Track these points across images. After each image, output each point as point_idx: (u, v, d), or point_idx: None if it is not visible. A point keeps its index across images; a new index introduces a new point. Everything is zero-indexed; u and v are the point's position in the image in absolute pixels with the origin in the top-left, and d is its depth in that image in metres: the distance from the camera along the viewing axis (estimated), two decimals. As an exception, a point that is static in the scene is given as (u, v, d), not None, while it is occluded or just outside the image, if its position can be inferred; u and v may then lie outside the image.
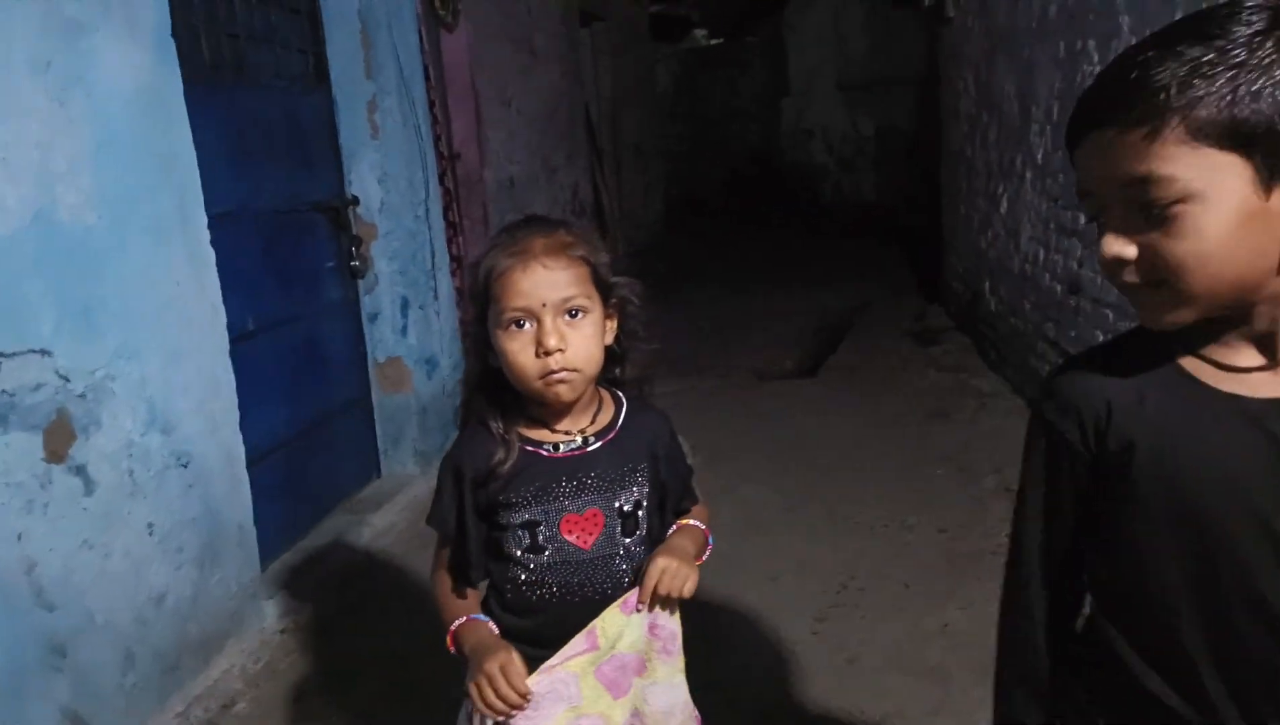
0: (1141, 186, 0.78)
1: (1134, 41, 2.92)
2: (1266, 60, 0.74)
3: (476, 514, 1.29)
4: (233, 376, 2.55)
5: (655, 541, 1.31)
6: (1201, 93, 0.75)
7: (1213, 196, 0.76)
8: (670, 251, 9.75)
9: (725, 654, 2.43)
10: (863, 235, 10.15)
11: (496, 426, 1.27)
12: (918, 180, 9.30)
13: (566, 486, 1.26)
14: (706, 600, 2.62)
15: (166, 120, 2.34)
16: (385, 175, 3.55)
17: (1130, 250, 0.81)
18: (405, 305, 3.66)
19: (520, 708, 1.17)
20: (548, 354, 1.19)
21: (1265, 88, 0.74)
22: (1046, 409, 0.95)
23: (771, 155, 12.93)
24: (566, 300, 1.20)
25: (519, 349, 1.21)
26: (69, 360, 2.01)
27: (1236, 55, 0.74)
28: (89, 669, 2.03)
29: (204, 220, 2.45)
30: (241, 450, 2.59)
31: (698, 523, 1.38)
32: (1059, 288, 3.86)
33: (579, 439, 1.28)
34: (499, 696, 1.16)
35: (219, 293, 2.51)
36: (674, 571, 1.22)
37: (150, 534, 2.23)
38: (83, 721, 2.00)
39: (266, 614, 2.67)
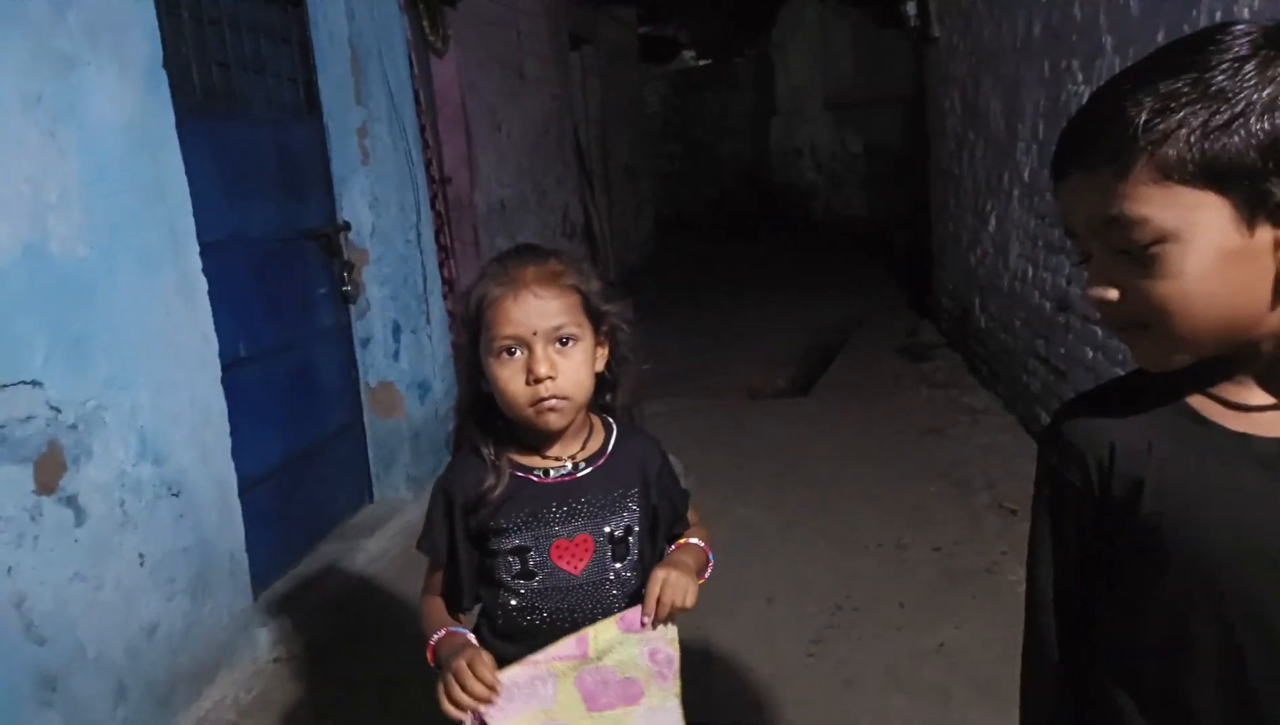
0: (1116, 228, 0.75)
1: (1117, 60, 2.94)
2: (1245, 89, 0.69)
3: (468, 539, 1.30)
4: (225, 405, 2.55)
5: (648, 567, 1.31)
6: (1169, 129, 0.71)
7: (1189, 236, 0.72)
8: (661, 270, 9.79)
9: (722, 676, 2.42)
10: (852, 252, 10.21)
11: (488, 452, 1.28)
12: (906, 197, 9.36)
13: (557, 512, 1.27)
14: (702, 622, 2.62)
15: (158, 151, 2.34)
16: (376, 200, 3.56)
17: (1112, 293, 0.78)
18: (397, 330, 3.66)
19: (488, 700, 1.14)
20: (538, 381, 1.20)
21: (1238, 120, 0.69)
22: (1049, 454, 0.91)
23: (761, 174, 13.03)
24: (557, 329, 1.22)
25: (510, 376, 1.22)
26: (60, 391, 2.01)
27: (1212, 86, 0.70)
28: (81, 702, 2.02)
29: (195, 249, 2.46)
30: (233, 478, 2.59)
31: (698, 541, 1.38)
32: (1048, 305, 3.89)
33: (569, 465, 1.29)
34: (466, 690, 1.14)
35: (211, 321, 2.51)
36: (674, 582, 1.21)
37: (141, 564, 2.22)
38: (74, 756, 1.99)
39: (259, 643, 2.65)
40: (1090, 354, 3.35)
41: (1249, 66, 0.70)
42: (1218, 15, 2.35)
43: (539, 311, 1.20)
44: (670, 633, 1.23)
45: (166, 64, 2.38)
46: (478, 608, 1.35)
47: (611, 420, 1.37)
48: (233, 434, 2.58)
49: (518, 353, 1.21)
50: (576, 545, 1.27)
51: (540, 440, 1.29)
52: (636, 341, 1.36)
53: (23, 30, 1.96)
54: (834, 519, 3.38)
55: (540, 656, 1.19)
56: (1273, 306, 0.74)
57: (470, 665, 1.15)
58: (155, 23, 2.36)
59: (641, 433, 1.39)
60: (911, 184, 8.13)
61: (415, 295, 3.69)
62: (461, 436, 1.34)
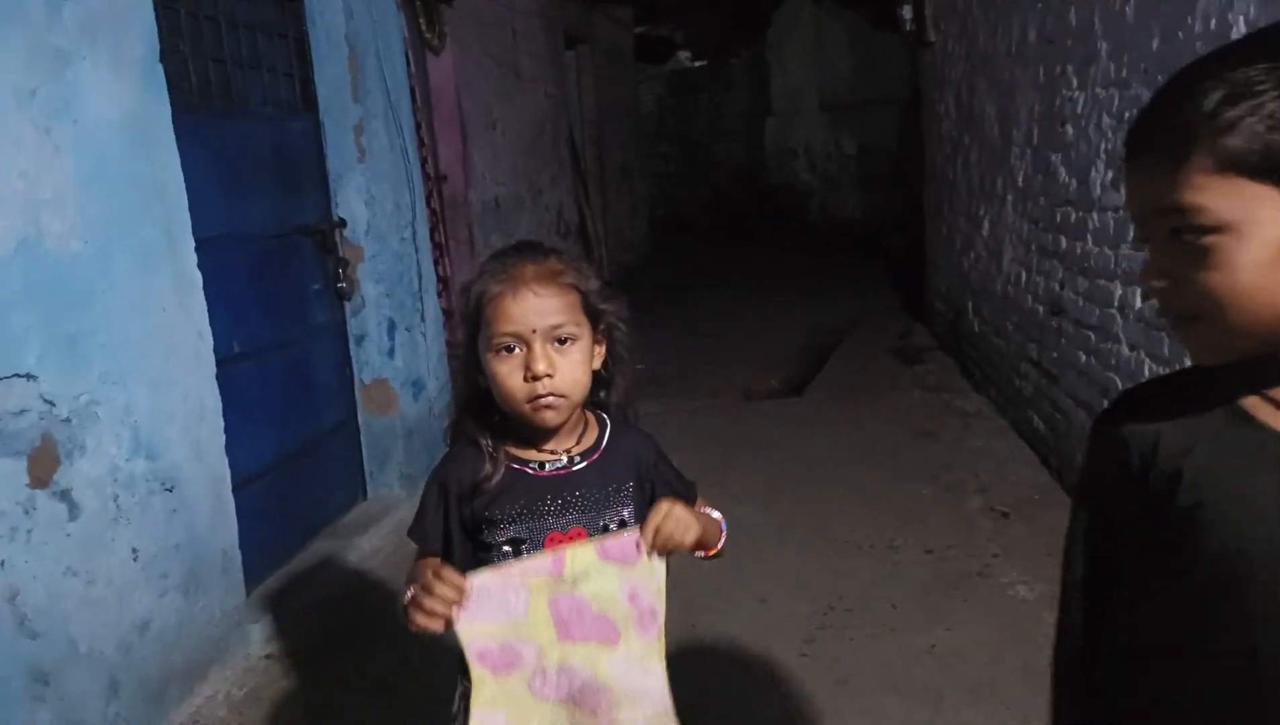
0: (1172, 216, 0.74)
1: (1111, 66, 2.94)
2: None
3: (462, 531, 1.30)
4: (219, 401, 2.55)
5: None
6: (1236, 117, 0.69)
7: (1246, 230, 0.71)
8: (656, 271, 9.80)
9: (715, 676, 2.43)
10: (847, 253, 10.23)
11: (485, 444, 1.29)
12: (901, 199, 9.39)
13: (552, 504, 1.27)
14: (695, 621, 2.63)
15: (154, 147, 2.34)
16: (372, 198, 3.56)
17: (1163, 281, 0.77)
18: (392, 327, 3.66)
19: (457, 602, 1.13)
20: (536, 379, 1.21)
21: None
22: (1094, 444, 0.90)
23: (756, 174, 13.05)
24: (556, 327, 1.23)
25: (508, 372, 1.23)
26: (54, 385, 2.00)
27: None
28: (73, 698, 2.01)
29: (191, 246, 2.46)
30: (227, 475, 2.58)
31: (712, 512, 1.38)
32: (1041, 309, 3.90)
33: (565, 459, 1.30)
34: (437, 597, 1.13)
35: (206, 317, 2.51)
36: (679, 515, 1.19)
37: (134, 560, 2.22)
38: (66, 752, 1.98)
39: (252, 639, 2.65)
40: (1083, 358, 3.36)
41: None
42: (1213, 21, 2.36)
43: (538, 310, 1.21)
44: (656, 577, 1.20)
45: (163, 60, 2.38)
46: None
47: (606, 417, 1.38)
48: (226, 430, 2.58)
49: (516, 349, 1.22)
50: (570, 538, 1.27)
51: (536, 435, 1.30)
52: (633, 341, 1.37)
53: (18, 25, 1.95)
54: (827, 520, 3.38)
55: (515, 568, 1.17)
56: None
57: (437, 573, 1.15)
58: (152, 18, 2.36)
59: (635, 429, 1.40)
60: (906, 186, 8.16)
61: (410, 293, 3.69)
62: (458, 431, 1.35)
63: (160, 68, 2.37)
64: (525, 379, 1.22)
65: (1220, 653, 0.79)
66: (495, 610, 1.15)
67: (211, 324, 2.53)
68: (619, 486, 1.31)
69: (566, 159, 7.68)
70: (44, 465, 1.98)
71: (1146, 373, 2.83)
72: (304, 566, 3.09)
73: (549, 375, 1.21)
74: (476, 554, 1.30)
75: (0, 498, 1.88)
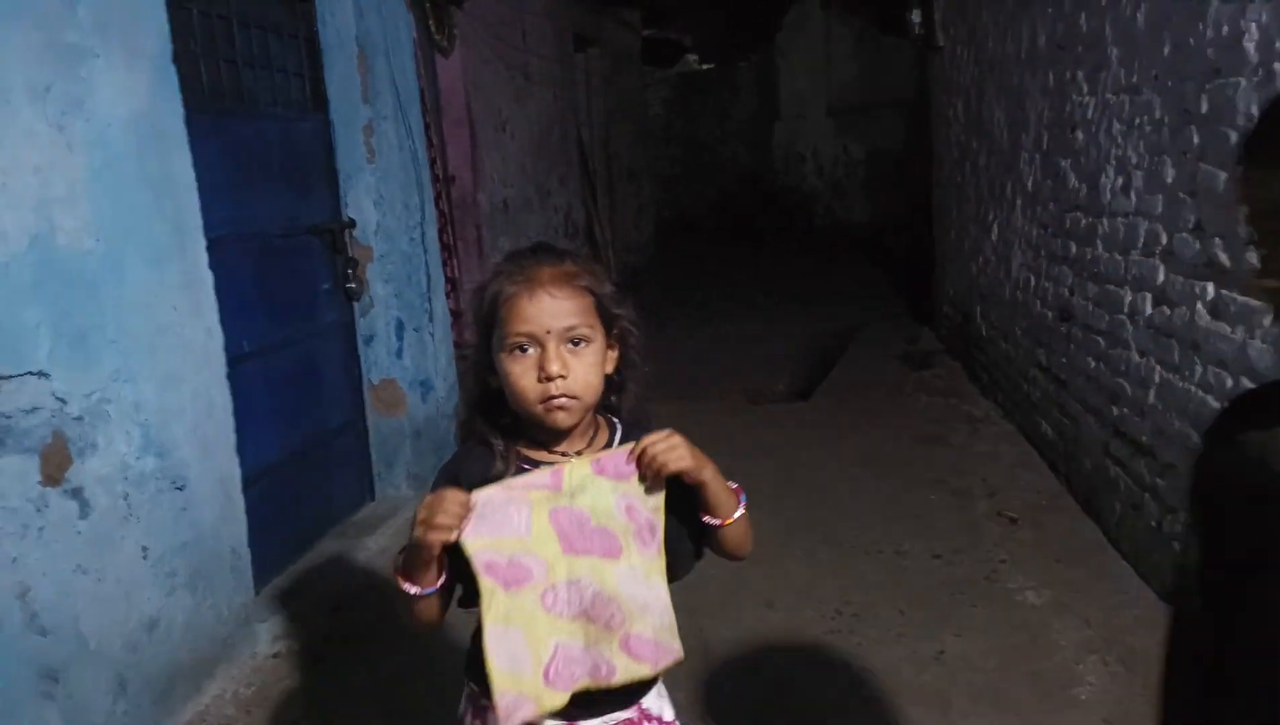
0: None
1: (1122, 72, 2.92)
2: None
3: None
4: (229, 399, 2.55)
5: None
6: None
7: None
8: (662, 273, 9.79)
9: (722, 681, 2.42)
10: (854, 257, 10.22)
11: (497, 443, 1.29)
12: (908, 204, 9.37)
13: None
14: (702, 625, 2.62)
15: (165, 145, 2.35)
16: (381, 198, 3.57)
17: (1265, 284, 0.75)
18: (400, 327, 3.66)
19: (463, 517, 1.15)
20: (549, 379, 1.21)
21: None
22: (1207, 444, 0.86)
23: (763, 178, 13.05)
24: (570, 329, 1.22)
25: (521, 373, 1.23)
26: (65, 383, 2.01)
27: None
28: (81, 696, 2.02)
29: (202, 244, 2.46)
30: (236, 473, 2.59)
31: (731, 483, 1.34)
32: (1049, 314, 3.89)
33: (575, 459, 1.30)
34: (444, 512, 1.14)
35: (216, 316, 2.51)
36: (673, 442, 1.20)
37: (144, 558, 2.22)
38: (73, 749, 1.98)
39: (259, 638, 2.65)
40: (1092, 364, 3.35)
41: None
42: (1224, 29, 2.36)
43: (553, 311, 1.21)
44: (652, 499, 1.22)
45: (175, 59, 2.39)
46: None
47: (617, 421, 1.37)
48: (236, 429, 2.58)
49: (530, 350, 1.22)
50: None
51: (548, 436, 1.30)
52: (644, 345, 1.37)
53: (33, 22, 1.96)
54: (833, 525, 3.38)
55: (516, 482, 1.20)
56: None
57: (439, 497, 1.16)
58: (165, 17, 2.36)
59: (645, 432, 1.39)
60: (914, 191, 8.15)
61: (419, 293, 3.69)
62: (469, 431, 1.35)
63: (173, 66, 2.37)
64: (539, 379, 1.22)
65: None
66: (500, 525, 1.18)
67: (221, 322, 2.53)
68: None
69: (574, 161, 7.69)
70: (56, 463, 1.98)
71: (1156, 379, 2.82)
72: (312, 566, 3.09)
73: (562, 376, 1.21)
74: None
75: (12, 495, 1.88)
